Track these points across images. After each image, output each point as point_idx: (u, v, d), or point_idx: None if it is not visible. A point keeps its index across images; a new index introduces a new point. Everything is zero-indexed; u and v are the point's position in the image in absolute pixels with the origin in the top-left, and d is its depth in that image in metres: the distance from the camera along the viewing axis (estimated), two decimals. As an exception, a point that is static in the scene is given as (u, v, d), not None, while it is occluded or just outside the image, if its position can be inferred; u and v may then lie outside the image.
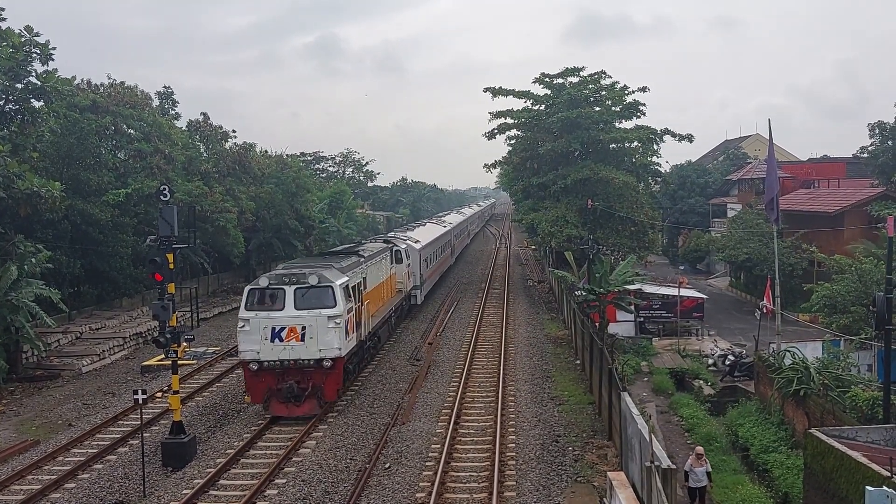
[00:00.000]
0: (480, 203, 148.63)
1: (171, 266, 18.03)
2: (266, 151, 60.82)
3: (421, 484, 16.04)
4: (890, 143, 42.15)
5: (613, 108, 42.80)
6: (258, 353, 19.77)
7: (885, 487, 10.28)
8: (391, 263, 32.17)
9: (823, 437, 14.08)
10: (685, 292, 33.41)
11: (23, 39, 27.55)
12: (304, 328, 19.76)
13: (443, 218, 65.47)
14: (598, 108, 42.35)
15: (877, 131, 43.26)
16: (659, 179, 50.65)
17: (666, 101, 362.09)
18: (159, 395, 23.00)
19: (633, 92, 42.58)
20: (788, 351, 21.68)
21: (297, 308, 19.87)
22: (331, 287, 20.18)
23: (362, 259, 25.79)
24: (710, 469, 15.17)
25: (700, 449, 15.44)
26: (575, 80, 43.59)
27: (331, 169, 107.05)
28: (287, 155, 66.74)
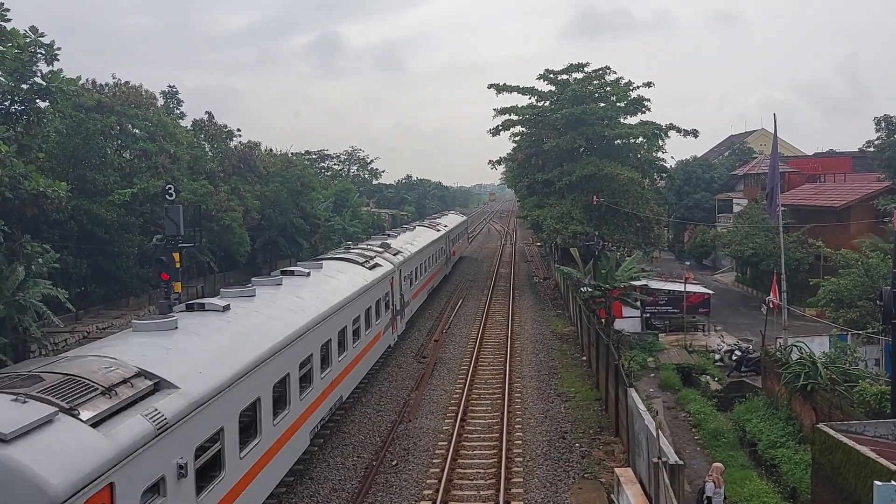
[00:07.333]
0: (438, 227, 52.27)
1: (178, 265, 18.12)
2: (271, 150, 60.97)
3: (428, 481, 16.05)
4: (896, 136, 41.98)
5: (618, 104, 42.66)
6: None
7: (893, 482, 10.23)
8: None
9: (831, 432, 14.02)
10: (691, 288, 33.31)
11: (28, 40, 27.60)
12: None
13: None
14: (602, 104, 42.22)
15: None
16: (664, 175, 50.56)
17: (666, 97, 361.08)
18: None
19: (638, 87, 42.49)
20: (795, 346, 21.63)
21: None
22: None
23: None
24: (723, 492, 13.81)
25: (720, 466, 14.08)
26: (579, 76, 43.44)
27: (336, 167, 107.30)
28: (292, 153, 66.90)
